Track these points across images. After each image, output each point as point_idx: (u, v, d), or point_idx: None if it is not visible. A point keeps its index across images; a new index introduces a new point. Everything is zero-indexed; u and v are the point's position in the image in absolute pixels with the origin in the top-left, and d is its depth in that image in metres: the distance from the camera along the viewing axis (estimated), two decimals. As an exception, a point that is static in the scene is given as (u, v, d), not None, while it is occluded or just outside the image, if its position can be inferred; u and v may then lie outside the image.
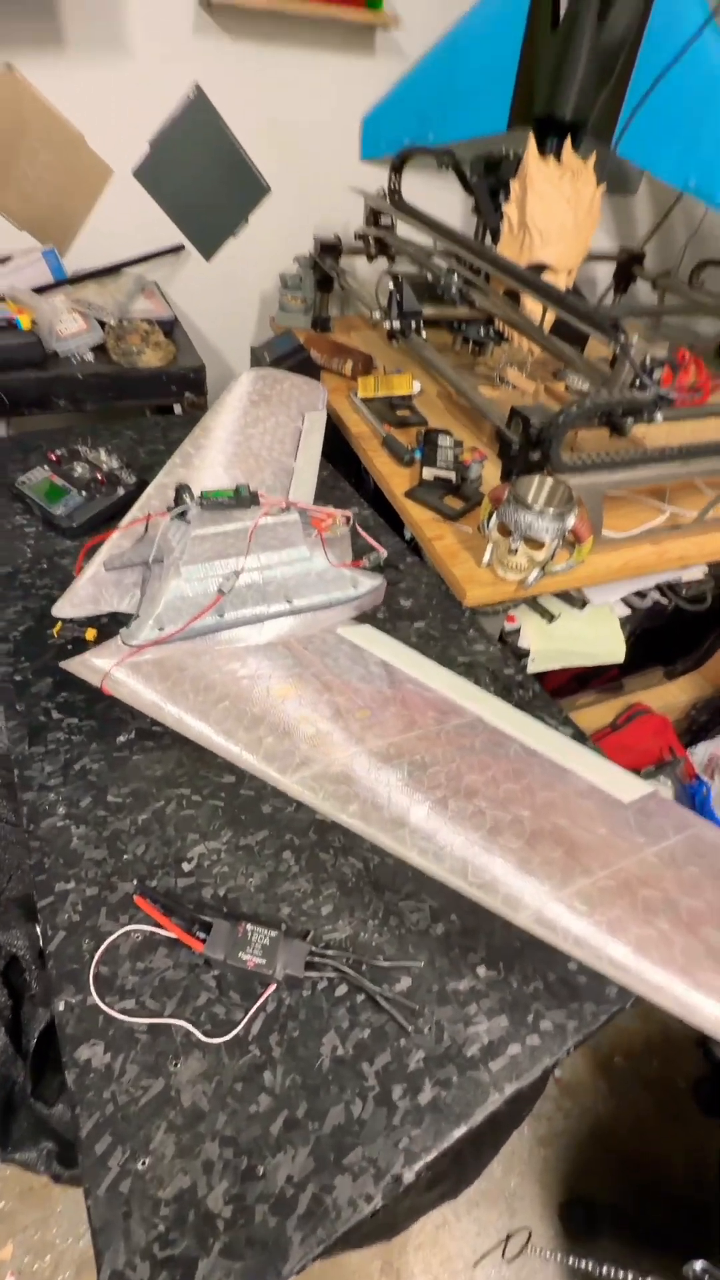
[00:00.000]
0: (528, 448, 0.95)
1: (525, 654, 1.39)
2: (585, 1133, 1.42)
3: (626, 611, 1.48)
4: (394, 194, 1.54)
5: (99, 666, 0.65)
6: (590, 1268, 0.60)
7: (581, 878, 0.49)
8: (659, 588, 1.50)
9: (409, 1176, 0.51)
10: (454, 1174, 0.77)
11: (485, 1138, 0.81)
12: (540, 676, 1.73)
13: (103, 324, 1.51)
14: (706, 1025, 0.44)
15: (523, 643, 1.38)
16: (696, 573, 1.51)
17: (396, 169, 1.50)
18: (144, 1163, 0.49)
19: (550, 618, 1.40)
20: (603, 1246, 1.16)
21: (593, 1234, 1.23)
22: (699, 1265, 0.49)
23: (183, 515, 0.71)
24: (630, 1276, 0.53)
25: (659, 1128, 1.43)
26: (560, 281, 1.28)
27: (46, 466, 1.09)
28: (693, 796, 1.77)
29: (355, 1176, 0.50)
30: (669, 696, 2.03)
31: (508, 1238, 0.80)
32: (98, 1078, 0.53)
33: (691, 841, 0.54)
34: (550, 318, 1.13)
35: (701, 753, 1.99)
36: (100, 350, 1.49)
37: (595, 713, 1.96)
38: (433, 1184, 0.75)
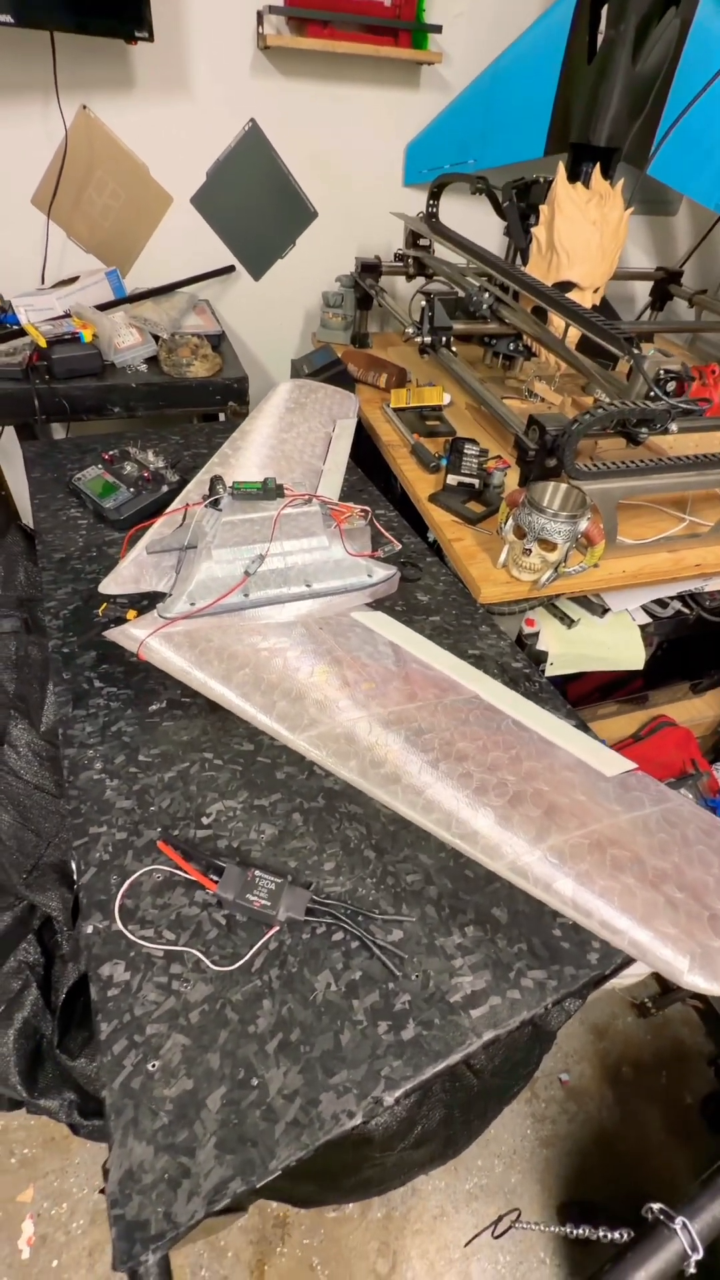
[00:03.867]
0: (544, 454, 1.01)
1: (544, 657, 1.42)
2: (589, 1138, 1.42)
3: (647, 619, 1.50)
4: (432, 217, 1.62)
5: (136, 635, 0.73)
6: (574, 1233, 0.63)
7: (557, 835, 0.54)
8: (681, 597, 1.52)
9: (388, 1100, 0.56)
10: (442, 1135, 0.80)
11: (474, 1106, 0.84)
12: (563, 685, 1.75)
13: (156, 338, 1.63)
14: (656, 965, 0.48)
15: (541, 646, 1.42)
16: (719, 583, 1.52)
17: (434, 194, 1.59)
18: (154, 1065, 0.56)
19: (570, 623, 1.44)
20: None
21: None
22: (656, 1207, 0.52)
23: (216, 504, 0.79)
24: (618, 1235, 0.56)
25: (663, 1140, 1.42)
26: (586, 299, 1.33)
27: (100, 465, 1.19)
28: (714, 811, 1.75)
29: (339, 1095, 0.55)
30: (695, 711, 2.01)
31: (499, 1219, 0.83)
32: (118, 992, 0.60)
33: (667, 813, 0.58)
34: (574, 333, 1.18)
35: (727, 769, 1.96)
36: (153, 361, 1.61)
37: (618, 723, 1.96)
38: (420, 1142, 0.79)
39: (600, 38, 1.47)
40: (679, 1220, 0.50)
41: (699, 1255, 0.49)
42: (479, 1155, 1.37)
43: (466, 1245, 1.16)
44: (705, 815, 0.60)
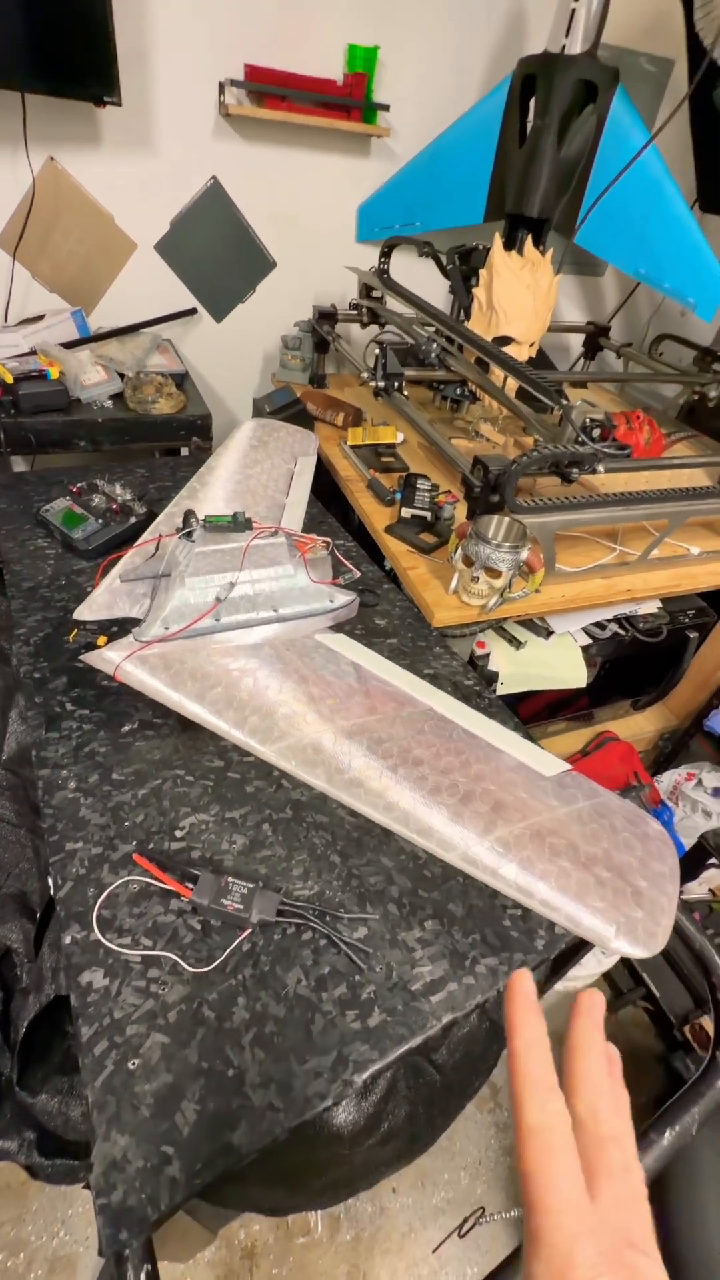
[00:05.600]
0: (488, 490, 1.11)
1: (495, 677, 1.52)
2: (550, 1144, 1.46)
3: (588, 641, 1.62)
4: (383, 272, 1.76)
5: (113, 658, 0.78)
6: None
7: (502, 827, 0.61)
8: (617, 620, 1.65)
9: (357, 1081, 0.60)
10: (407, 1132, 0.84)
11: (437, 1101, 0.88)
12: (515, 703, 1.86)
13: (122, 376, 1.69)
14: (588, 935, 0.55)
15: (493, 666, 1.51)
16: (651, 607, 1.66)
17: (385, 253, 1.73)
18: (134, 1063, 0.59)
19: (518, 645, 1.54)
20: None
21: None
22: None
23: (189, 535, 0.85)
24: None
25: (621, 1140, 1.48)
26: (522, 353, 1.48)
27: (68, 497, 1.23)
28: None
29: (312, 1079, 0.60)
30: (637, 727, 2.15)
31: (463, 1220, 0.87)
32: (97, 997, 0.63)
33: (598, 806, 0.66)
34: (513, 382, 1.31)
35: (667, 780, 2.10)
36: (118, 398, 1.67)
37: (566, 740, 2.07)
38: (387, 1139, 0.83)
39: (529, 125, 1.66)
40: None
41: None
42: (445, 1169, 1.39)
43: (434, 1251, 1.18)
44: (630, 807, 0.68)
